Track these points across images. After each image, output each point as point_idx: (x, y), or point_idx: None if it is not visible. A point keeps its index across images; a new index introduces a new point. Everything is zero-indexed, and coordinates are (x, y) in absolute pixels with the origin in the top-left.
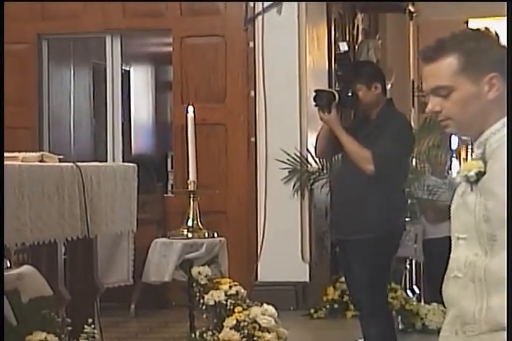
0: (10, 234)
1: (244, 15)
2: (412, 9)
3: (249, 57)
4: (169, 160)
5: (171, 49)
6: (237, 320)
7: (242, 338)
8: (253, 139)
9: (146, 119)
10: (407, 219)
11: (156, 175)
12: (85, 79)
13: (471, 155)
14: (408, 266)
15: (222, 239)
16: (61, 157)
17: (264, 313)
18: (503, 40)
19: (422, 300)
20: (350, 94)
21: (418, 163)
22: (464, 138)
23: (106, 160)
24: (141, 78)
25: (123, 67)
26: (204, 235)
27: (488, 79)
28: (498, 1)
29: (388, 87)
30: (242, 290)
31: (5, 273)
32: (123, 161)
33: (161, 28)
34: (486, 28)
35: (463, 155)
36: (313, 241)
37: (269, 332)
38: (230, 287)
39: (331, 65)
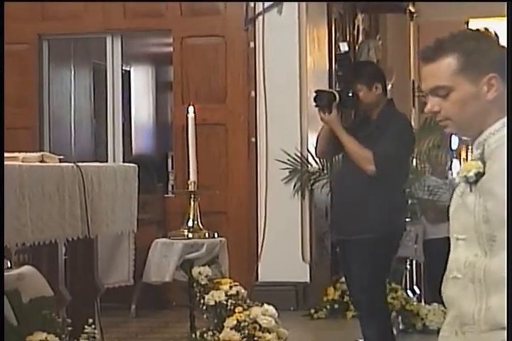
0: (10, 234)
1: (244, 15)
2: (413, 9)
3: (249, 58)
4: (170, 161)
5: (171, 49)
6: (237, 320)
7: (242, 338)
8: (253, 139)
9: (147, 120)
10: (407, 220)
11: (156, 175)
12: (86, 80)
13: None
14: (408, 267)
15: (223, 239)
16: (61, 157)
17: (265, 313)
18: (503, 41)
19: (423, 301)
20: (350, 95)
21: (418, 163)
22: (464, 138)
23: (106, 161)
24: (141, 78)
25: (123, 68)
26: (204, 235)
27: (487, 79)
28: (498, 0)
29: (389, 87)
30: (243, 291)
31: (5, 274)
32: (123, 161)
33: (162, 29)
34: (486, 29)
35: (463, 155)
36: (314, 242)
37: (269, 333)
38: (231, 287)
39: (331, 66)
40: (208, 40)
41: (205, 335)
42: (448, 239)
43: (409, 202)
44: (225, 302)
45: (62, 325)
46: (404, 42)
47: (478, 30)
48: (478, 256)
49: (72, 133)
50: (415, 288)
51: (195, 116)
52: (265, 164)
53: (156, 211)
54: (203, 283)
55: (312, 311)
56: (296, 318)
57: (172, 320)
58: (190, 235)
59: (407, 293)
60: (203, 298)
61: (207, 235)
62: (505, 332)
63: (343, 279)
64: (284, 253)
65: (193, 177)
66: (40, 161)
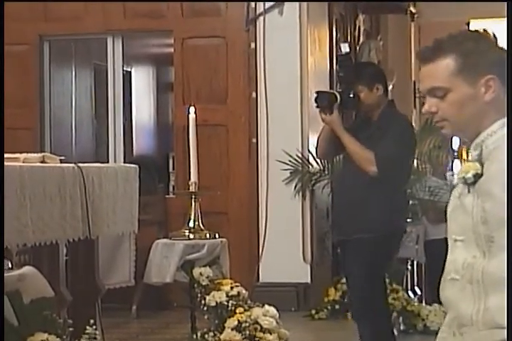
0: (11, 235)
1: (245, 16)
2: (414, 10)
3: (250, 58)
4: (170, 161)
5: (172, 50)
6: (238, 320)
7: (243, 339)
8: (254, 140)
9: (148, 120)
10: (408, 220)
11: (157, 176)
12: (87, 80)
13: None
14: (409, 267)
15: (224, 239)
16: (62, 158)
17: (266, 314)
18: (501, 42)
19: (424, 301)
20: (351, 96)
21: (419, 163)
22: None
23: (107, 161)
24: (142, 79)
25: (124, 68)
26: (205, 236)
27: (484, 81)
28: (498, 1)
29: (389, 88)
30: (244, 291)
31: (6, 274)
32: (124, 162)
33: (163, 29)
34: (484, 30)
35: (464, 155)
36: (315, 242)
37: (270, 333)
38: (232, 288)
39: (332, 66)
40: (209, 40)
41: (206, 336)
42: None
43: (410, 202)
44: (226, 303)
45: (63, 326)
46: (405, 43)
47: (476, 31)
48: (476, 257)
49: (73, 133)
50: (416, 288)
51: (196, 116)
52: (266, 165)
53: (157, 212)
54: (203, 283)
55: (313, 312)
56: (297, 319)
57: (173, 321)
58: (191, 236)
59: (408, 293)
60: (204, 299)
61: (208, 236)
62: (503, 331)
63: (344, 280)
64: (285, 254)
65: (193, 177)
66: (41, 162)
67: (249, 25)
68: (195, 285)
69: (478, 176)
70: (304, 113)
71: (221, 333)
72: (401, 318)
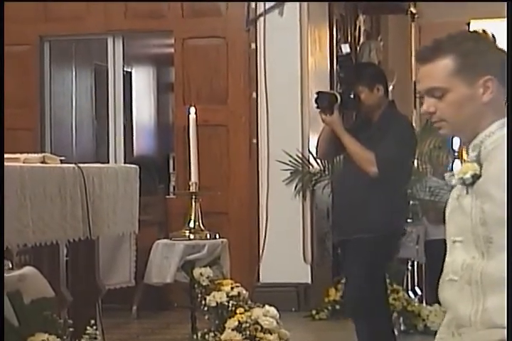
0: (12, 235)
1: (245, 16)
2: (414, 11)
3: (250, 59)
4: (171, 162)
5: (172, 50)
6: (238, 321)
7: (243, 339)
8: (255, 140)
9: (148, 121)
10: (408, 221)
11: (157, 176)
12: (87, 81)
13: None
14: (410, 267)
15: (224, 240)
16: (63, 158)
17: (266, 314)
18: (500, 43)
19: (424, 302)
20: (352, 96)
21: (420, 164)
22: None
23: (108, 162)
24: (142, 79)
25: (125, 69)
26: (206, 236)
27: (483, 81)
28: (498, 1)
29: (390, 88)
30: (244, 292)
31: (7, 275)
32: (125, 163)
33: (163, 30)
34: (484, 31)
35: (464, 156)
36: (315, 243)
37: (270, 334)
38: (232, 288)
39: (332, 67)
40: (210, 41)
41: (206, 336)
42: None
43: (411, 203)
44: (226, 304)
45: (63, 326)
46: (405, 44)
47: (475, 31)
48: (475, 258)
49: (74, 134)
50: (416, 289)
51: (196, 117)
52: (266, 165)
53: (158, 212)
54: (204, 284)
55: (313, 312)
56: (297, 319)
57: (173, 321)
58: (192, 236)
59: (408, 294)
60: (205, 299)
61: (208, 236)
62: (501, 330)
63: (344, 280)
64: (286, 254)
65: (194, 178)
66: (42, 162)
67: (250, 26)
68: (196, 286)
69: (476, 177)
70: (305, 113)
71: (221, 333)
72: (401, 318)
